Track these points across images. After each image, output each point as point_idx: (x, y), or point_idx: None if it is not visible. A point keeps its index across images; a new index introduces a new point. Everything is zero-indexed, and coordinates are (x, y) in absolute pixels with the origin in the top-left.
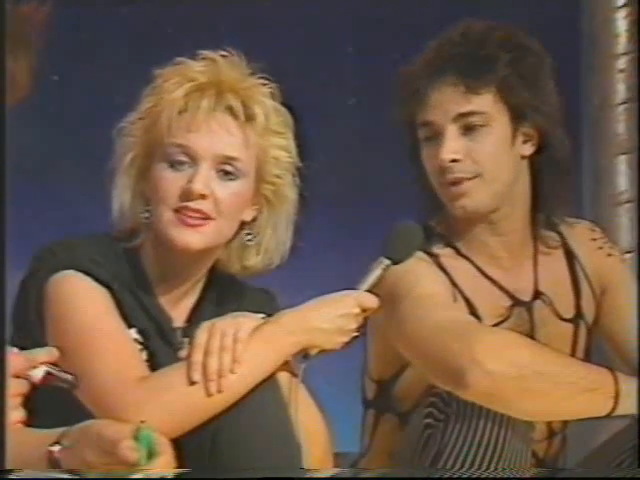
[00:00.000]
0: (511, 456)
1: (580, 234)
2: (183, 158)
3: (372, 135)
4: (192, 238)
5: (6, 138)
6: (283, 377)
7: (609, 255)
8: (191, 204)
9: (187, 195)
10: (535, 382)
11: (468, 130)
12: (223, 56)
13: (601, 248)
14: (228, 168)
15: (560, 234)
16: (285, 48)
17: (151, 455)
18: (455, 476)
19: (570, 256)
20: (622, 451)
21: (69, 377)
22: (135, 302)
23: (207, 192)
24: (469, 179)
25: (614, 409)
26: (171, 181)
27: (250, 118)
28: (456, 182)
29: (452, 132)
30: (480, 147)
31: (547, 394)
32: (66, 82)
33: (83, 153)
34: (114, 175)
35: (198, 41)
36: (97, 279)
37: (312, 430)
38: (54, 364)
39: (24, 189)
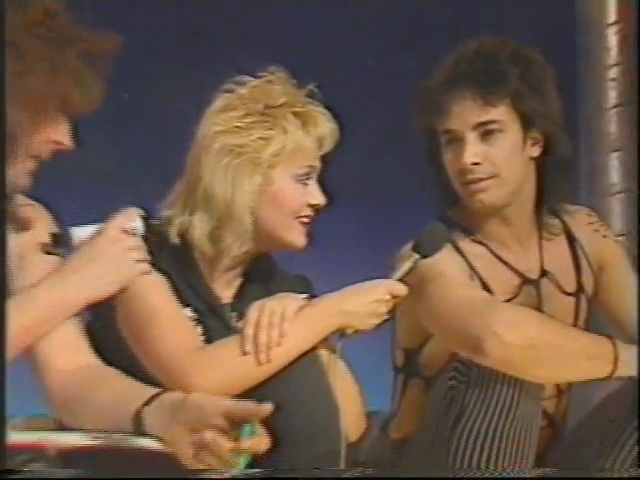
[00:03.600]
0: (524, 414)
1: (579, 219)
2: (308, 175)
3: (392, 138)
4: (304, 239)
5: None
6: (323, 352)
7: (604, 237)
8: (308, 213)
9: (310, 206)
10: (544, 350)
11: (485, 136)
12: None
13: (597, 231)
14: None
15: (562, 221)
16: (310, 56)
17: (252, 431)
18: (458, 476)
19: (571, 239)
20: (619, 408)
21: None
22: (188, 286)
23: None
24: (487, 179)
25: (613, 372)
26: (299, 194)
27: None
28: (476, 182)
29: (472, 138)
30: (496, 151)
31: (555, 361)
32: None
33: (153, 159)
34: (215, 183)
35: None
36: (157, 268)
37: (348, 396)
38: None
39: (102, 192)
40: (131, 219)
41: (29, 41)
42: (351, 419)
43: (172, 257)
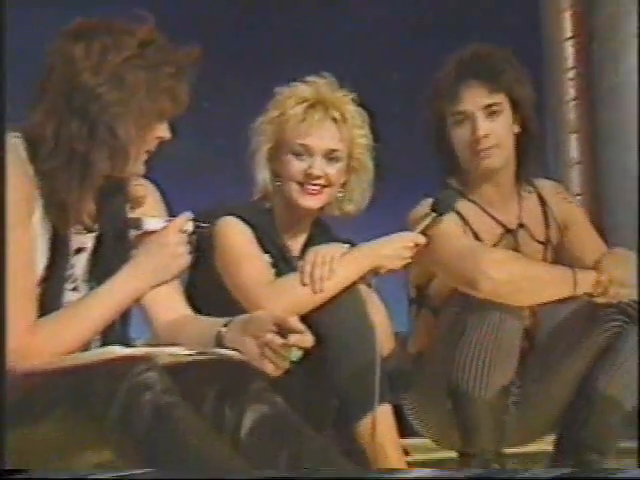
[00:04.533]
0: (509, 331)
1: (549, 189)
2: (304, 152)
3: (406, 125)
4: (312, 202)
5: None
6: (362, 286)
7: (569, 202)
8: (312, 181)
9: (309, 176)
10: (523, 282)
11: (489, 116)
12: (322, 78)
13: (564, 198)
14: (332, 156)
15: (536, 189)
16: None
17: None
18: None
19: (543, 202)
20: (580, 319)
21: (208, 225)
22: (269, 239)
23: (322, 174)
24: (492, 148)
25: (574, 292)
26: (296, 166)
27: (344, 121)
28: (485, 150)
29: (481, 117)
30: (498, 126)
31: (531, 290)
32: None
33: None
34: (253, 159)
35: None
36: (246, 222)
37: (381, 321)
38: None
39: (185, 181)
40: (185, 222)
41: (129, 72)
42: (383, 338)
43: (259, 217)
